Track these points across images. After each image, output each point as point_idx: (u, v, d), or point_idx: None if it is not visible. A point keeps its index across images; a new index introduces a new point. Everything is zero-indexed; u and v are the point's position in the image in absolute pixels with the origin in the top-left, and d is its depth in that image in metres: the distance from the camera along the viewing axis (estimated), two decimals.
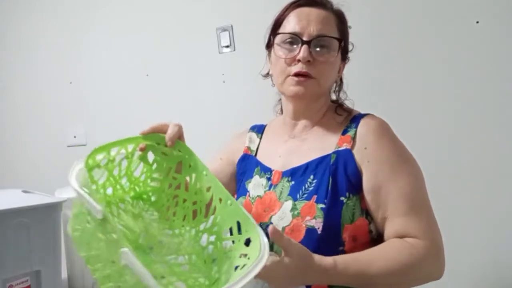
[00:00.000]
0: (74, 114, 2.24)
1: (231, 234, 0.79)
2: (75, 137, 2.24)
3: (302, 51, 0.87)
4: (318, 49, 0.89)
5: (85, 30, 2.22)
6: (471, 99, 1.55)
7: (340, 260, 0.76)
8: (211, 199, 0.82)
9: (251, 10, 1.88)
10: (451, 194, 1.51)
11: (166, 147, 0.84)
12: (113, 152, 0.77)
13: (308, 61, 0.87)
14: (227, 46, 1.96)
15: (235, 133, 1.12)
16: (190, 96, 2.04)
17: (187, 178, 0.85)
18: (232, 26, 1.94)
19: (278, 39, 0.92)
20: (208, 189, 0.82)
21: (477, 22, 1.54)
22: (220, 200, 0.80)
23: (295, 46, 0.89)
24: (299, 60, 0.88)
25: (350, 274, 0.75)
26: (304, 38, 0.88)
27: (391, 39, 1.67)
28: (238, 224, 0.78)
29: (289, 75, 0.90)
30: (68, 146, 2.25)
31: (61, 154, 2.25)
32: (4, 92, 2.35)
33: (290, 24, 0.91)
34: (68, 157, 2.24)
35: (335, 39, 0.90)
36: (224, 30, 1.96)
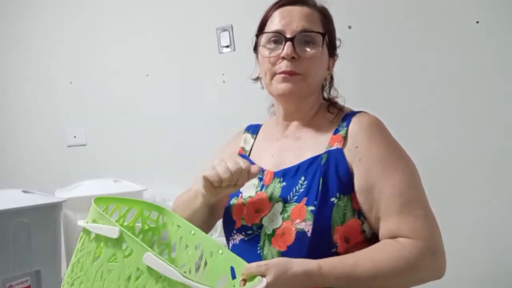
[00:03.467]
0: (74, 114, 2.24)
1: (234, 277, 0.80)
2: (75, 137, 2.24)
3: (285, 48, 0.86)
4: (302, 45, 0.87)
5: (85, 30, 2.22)
6: (471, 99, 1.55)
7: (326, 262, 0.74)
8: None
9: (251, 10, 1.86)
10: (449, 194, 1.51)
11: (152, 218, 0.89)
12: (110, 208, 0.82)
13: (293, 57, 0.86)
14: (227, 46, 1.96)
15: (230, 138, 1.11)
16: (190, 96, 2.04)
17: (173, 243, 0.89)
18: (232, 26, 1.94)
19: (262, 39, 0.92)
20: (197, 246, 0.86)
21: (477, 22, 1.54)
22: (211, 253, 0.83)
23: (279, 44, 0.88)
24: (283, 58, 0.87)
25: (336, 276, 0.74)
26: (287, 35, 0.87)
27: (391, 38, 1.67)
28: (232, 269, 0.80)
29: (275, 74, 0.89)
30: (68, 146, 2.25)
31: (61, 154, 2.25)
32: (4, 93, 2.35)
33: (274, 23, 0.90)
34: (68, 157, 2.25)
35: (319, 34, 0.89)
36: (224, 30, 1.96)
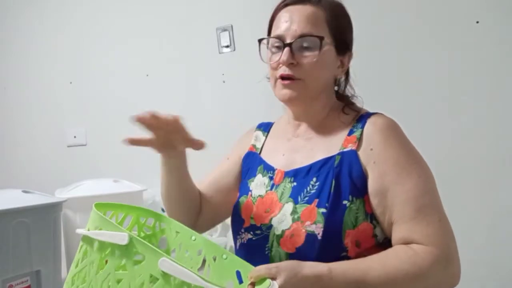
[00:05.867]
0: (74, 114, 2.24)
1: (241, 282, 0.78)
2: (75, 137, 2.24)
3: (283, 55, 0.86)
4: (300, 50, 0.86)
5: (85, 30, 2.22)
6: (471, 99, 1.55)
7: (336, 266, 0.73)
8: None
9: (251, 10, 1.88)
10: (450, 194, 1.50)
11: (149, 225, 0.87)
12: (108, 215, 0.79)
13: (292, 63, 0.86)
14: (227, 46, 1.96)
15: (242, 135, 1.11)
16: (190, 96, 2.04)
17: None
18: (232, 26, 1.94)
19: (268, 44, 0.92)
20: (200, 252, 0.84)
21: (477, 22, 1.54)
22: (215, 258, 0.81)
23: (280, 49, 0.88)
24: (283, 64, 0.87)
25: (346, 281, 0.72)
26: (287, 41, 0.86)
27: (391, 39, 1.67)
28: (239, 273, 0.78)
29: (277, 79, 0.88)
30: (68, 146, 2.25)
31: (61, 154, 2.25)
32: (4, 93, 2.35)
33: (277, 27, 0.89)
34: (68, 157, 2.25)
35: (317, 38, 0.86)
36: (224, 30, 1.96)
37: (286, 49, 0.86)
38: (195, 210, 1.01)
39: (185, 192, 0.98)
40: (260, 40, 0.93)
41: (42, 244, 1.25)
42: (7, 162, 2.32)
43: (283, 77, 0.87)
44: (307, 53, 0.86)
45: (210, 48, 1.98)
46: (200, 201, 1.02)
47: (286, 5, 0.90)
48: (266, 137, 1.03)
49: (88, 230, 0.65)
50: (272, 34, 0.90)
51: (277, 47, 0.89)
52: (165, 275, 0.55)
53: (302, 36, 0.86)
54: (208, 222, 1.03)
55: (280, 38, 0.88)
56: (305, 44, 0.86)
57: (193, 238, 0.85)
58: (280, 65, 0.87)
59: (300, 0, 0.89)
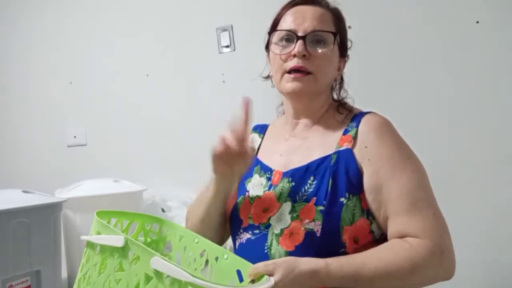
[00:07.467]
0: (74, 114, 2.24)
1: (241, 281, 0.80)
2: (75, 137, 2.24)
3: (297, 46, 0.87)
4: (313, 44, 0.88)
5: (85, 30, 2.22)
6: (470, 99, 1.55)
7: (333, 261, 0.75)
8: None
9: (251, 10, 1.88)
10: (450, 194, 1.51)
11: (154, 231, 0.90)
12: (112, 223, 0.83)
13: (304, 55, 0.87)
14: (227, 46, 1.96)
15: None
16: (190, 96, 2.04)
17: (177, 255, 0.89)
18: (232, 26, 1.95)
19: (274, 37, 0.92)
20: (202, 253, 0.86)
21: (477, 22, 1.54)
22: (217, 259, 0.83)
23: (291, 43, 0.89)
24: (294, 55, 0.88)
25: (343, 275, 0.74)
26: (299, 34, 0.88)
27: (392, 39, 1.67)
28: (239, 272, 0.79)
29: (285, 72, 0.89)
30: (68, 146, 2.25)
31: (61, 154, 2.25)
32: (4, 93, 2.35)
33: (286, 22, 0.91)
34: (68, 157, 2.25)
35: (331, 33, 0.90)
36: (224, 30, 1.96)
37: (300, 41, 0.87)
38: (222, 228, 1.01)
39: (220, 213, 0.97)
40: (270, 32, 0.94)
41: (42, 244, 1.25)
42: (7, 162, 2.32)
43: (293, 70, 0.88)
44: (320, 48, 0.89)
45: (210, 48, 1.98)
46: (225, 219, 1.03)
47: (296, 4, 0.93)
48: (262, 138, 1.04)
49: (91, 236, 0.69)
50: (281, 29, 0.92)
51: (287, 40, 0.90)
52: (158, 273, 0.58)
53: (316, 31, 0.89)
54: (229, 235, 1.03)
55: (291, 31, 0.89)
56: (318, 39, 0.89)
57: (196, 241, 0.87)
58: (291, 57, 0.88)
59: (310, 1, 0.92)
